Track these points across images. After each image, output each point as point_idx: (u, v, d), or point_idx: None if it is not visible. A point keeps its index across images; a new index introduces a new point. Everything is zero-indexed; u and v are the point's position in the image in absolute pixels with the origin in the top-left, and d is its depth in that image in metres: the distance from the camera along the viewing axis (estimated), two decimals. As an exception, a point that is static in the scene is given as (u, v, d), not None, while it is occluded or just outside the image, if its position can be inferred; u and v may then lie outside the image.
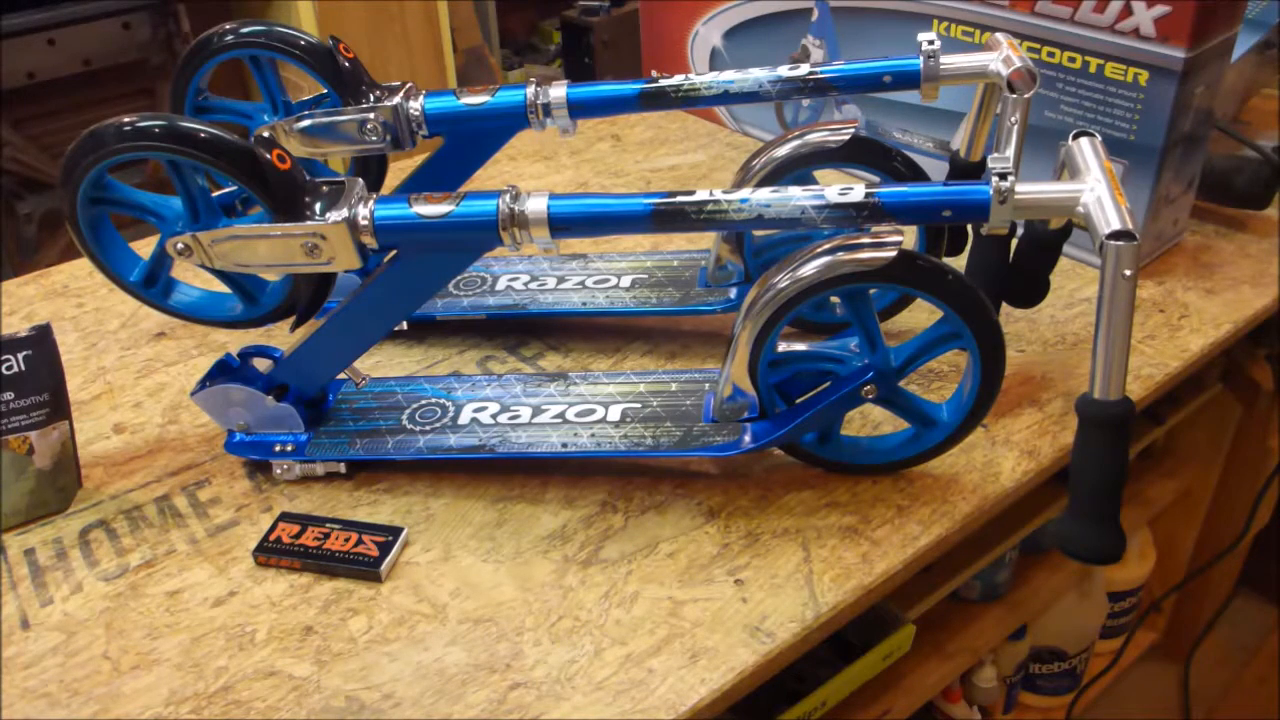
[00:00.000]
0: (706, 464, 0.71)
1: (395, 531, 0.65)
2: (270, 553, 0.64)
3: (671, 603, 0.61)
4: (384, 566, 0.63)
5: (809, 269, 0.61)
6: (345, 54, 0.77)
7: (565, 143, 1.19)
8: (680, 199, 0.61)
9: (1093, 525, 0.59)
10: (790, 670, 0.63)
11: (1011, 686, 1.22)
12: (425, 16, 2.10)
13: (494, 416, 0.71)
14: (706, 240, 0.90)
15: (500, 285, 0.86)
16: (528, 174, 1.13)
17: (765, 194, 0.60)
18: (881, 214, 0.60)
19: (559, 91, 0.75)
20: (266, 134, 0.74)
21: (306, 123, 0.74)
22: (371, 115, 0.74)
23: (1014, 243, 0.75)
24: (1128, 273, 0.55)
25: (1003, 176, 0.58)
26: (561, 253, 0.91)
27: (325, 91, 0.79)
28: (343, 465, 0.70)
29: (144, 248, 0.71)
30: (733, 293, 0.82)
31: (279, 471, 0.71)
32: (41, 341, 0.67)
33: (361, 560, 0.63)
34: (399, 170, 1.03)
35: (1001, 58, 0.71)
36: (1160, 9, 0.78)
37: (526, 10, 2.99)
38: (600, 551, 0.64)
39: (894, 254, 0.59)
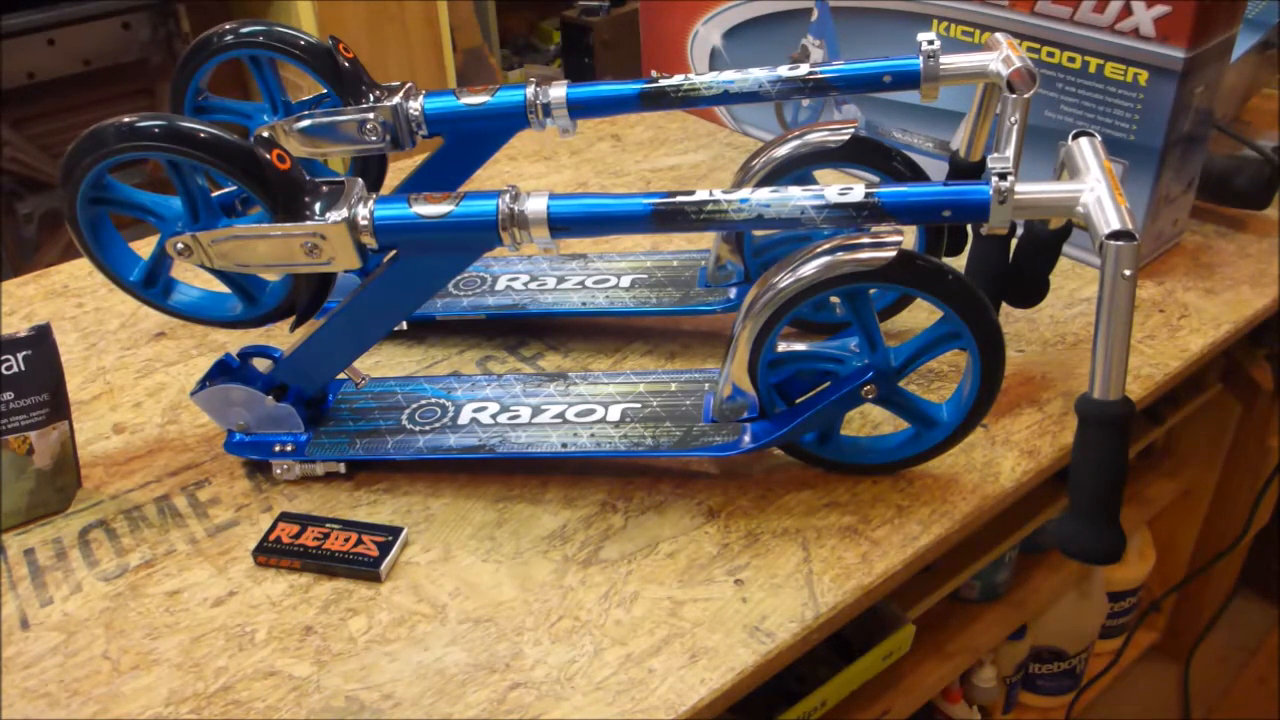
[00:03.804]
0: (706, 464, 0.71)
1: (395, 531, 0.65)
2: (270, 553, 0.64)
3: (671, 603, 0.61)
4: (384, 566, 0.63)
5: (809, 269, 0.61)
6: (345, 54, 0.77)
7: (565, 143, 1.19)
8: (680, 199, 0.61)
9: (1093, 525, 0.59)
10: (790, 670, 0.63)
11: (1011, 686, 1.22)
12: (425, 16, 2.10)
13: (494, 416, 0.71)
14: (706, 240, 0.90)
15: (500, 285, 0.86)
16: (528, 174, 1.13)
17: (765, 194, 0.60)
18: (881, 214, 0.60)
19: (559, 91, 0.75)
20: (266, 134, 0.74)
21: (306, 123, 0.74)
22: (371, 115, 0.74)
23: (1014, 243, 0.75)
24: (1128, 273, 0.55)
25: (1002, 176, 0.58)
26: (561, 253, 0.91)
27: (325, 91, 0.79)
28: (342, 465, 0.70)
29: (144, 248, 0.71)
30: (733, 293, 0.82)
31: (279, 471, 0.71)
32: (41, 341, 0.67)
33: (361, 560, 0.63)
34: (399, 170, 1.03)
35: (1001, 58, 0.71)
36: (1160, 9, 0.78)
37: (526, 10, 3.00)
38: (600, 551, 0.64)
39: (894, 254, 0.59)
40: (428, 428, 0.71)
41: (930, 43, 0.72)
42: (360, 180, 0.64)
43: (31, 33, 1.77)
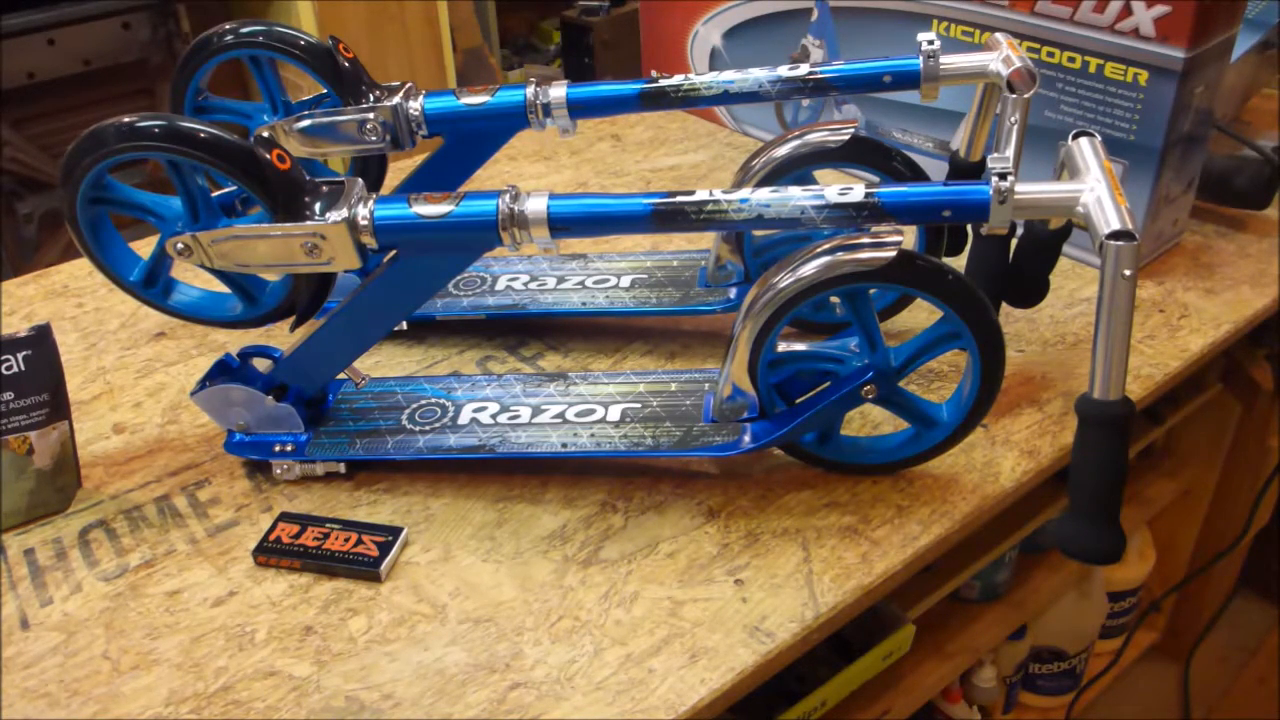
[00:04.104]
0: (706, 464, 0.71)
1: (395, 531, 0.65)
2: (270, 553, 0.64)
3: (671, 603, 0.61)
4: (384, 566, 0.63)
5: (809, 269, 0.61)
6: (345, 54, 0.77)
7: (565, 143, 1.19)
8: (680, 199, 0.61)
9: (1093, 525, 0.59)
10: (790, 670, 0.63)
11: (1011, 686, 1.22)
12: (425, 16, 2.10)
13: (494, 416, 0.71)
14: (706, 240, 0.90)
15: (500, 285, 0.86)
16: (528, 174, 1.13)
17: (765, 194, 0.60)
18: (881, 214, 0.60)
19: (559, 91, 0.75)
20: (266, 134, 0.74)
21: (306, 123, 0.74)
22: (371, 115, 0.74)
23: (1014, 243, 0.75)
24: (1128, 273, 0.55)
25: (1002, 176, 0.58)
26: (561, 253, 0.91)
27: (325, 91, 0.79)
28: (342, 465, 0.70)
29: (144, 248, 0.71)
30: (733, 293, 0.82)
31: (279, 471, 0.71)
32: (41, 341, 0.67)
33: (361, 560, 0.63)
34: (399, 170, 1.03)
35: (1001, 58, 0.71)
36: (1160, 9, 0.78)
37: (526, 10, 3.00)
38: (600, 551, 0.64)
39: (894, 254, 0.59)
40: (428, 428, 0.71)
41: (930, 43, 0.72)
42: (360, 180, 0.64)
43: (31, 33, 1.77)
